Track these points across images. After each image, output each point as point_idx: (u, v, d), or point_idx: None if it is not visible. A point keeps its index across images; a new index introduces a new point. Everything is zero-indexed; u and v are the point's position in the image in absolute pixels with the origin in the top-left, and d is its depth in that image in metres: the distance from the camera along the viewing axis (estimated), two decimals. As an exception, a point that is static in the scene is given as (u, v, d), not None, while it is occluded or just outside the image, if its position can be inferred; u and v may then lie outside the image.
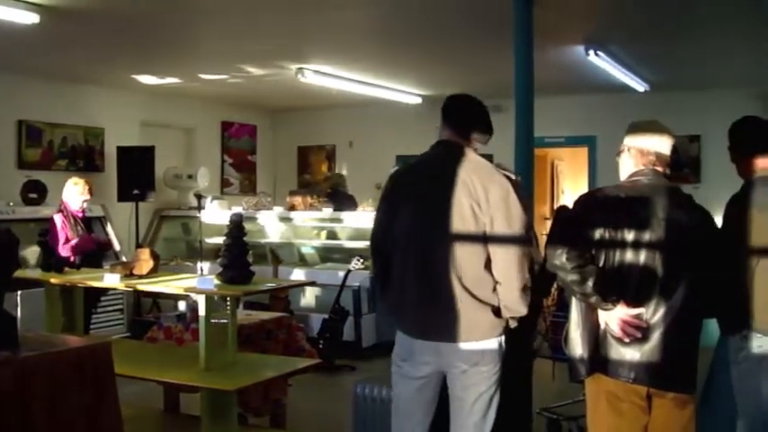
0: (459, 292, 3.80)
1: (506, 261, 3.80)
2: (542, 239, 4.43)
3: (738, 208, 4.19)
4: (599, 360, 3.72)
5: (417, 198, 3.95)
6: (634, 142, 3.90)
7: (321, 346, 8.17)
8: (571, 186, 14.30)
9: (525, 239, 3.87)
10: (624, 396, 3.69)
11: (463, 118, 4.10)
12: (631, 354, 3.65)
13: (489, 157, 5.45)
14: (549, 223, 11.29)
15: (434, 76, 10.33)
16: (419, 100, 11.71)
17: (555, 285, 5.30)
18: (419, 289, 3.89)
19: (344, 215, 9.89)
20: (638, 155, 3.86)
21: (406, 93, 11.54)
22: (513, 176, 4.48)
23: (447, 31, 7.78)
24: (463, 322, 3.80)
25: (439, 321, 3.84)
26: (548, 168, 13.78)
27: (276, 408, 5.95)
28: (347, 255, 9.48)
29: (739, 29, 7.64)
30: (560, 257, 3.58)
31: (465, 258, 3.80)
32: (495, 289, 3.83)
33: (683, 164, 11.30)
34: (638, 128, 3.95)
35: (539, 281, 4.49)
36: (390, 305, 4.12)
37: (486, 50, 8.42)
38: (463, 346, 3.82)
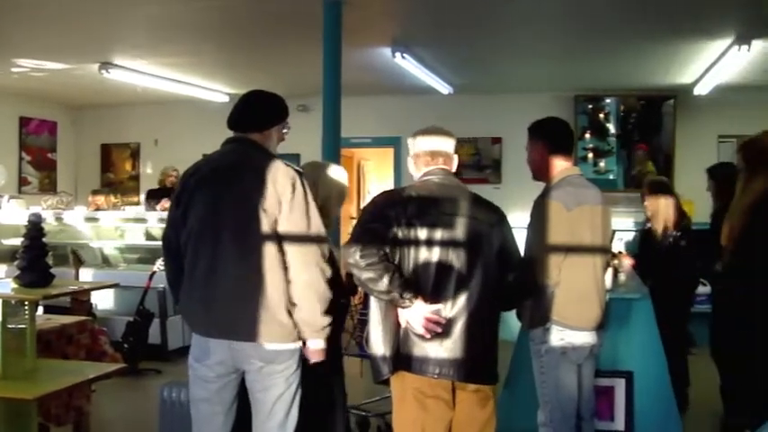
0: (251, 289, 3.74)
1: (297, 258, 3.76)
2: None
3: (544, 208, 4.35)
4: (402, 358, 3.76)
5: (207, 196, 3.86)
6: (419, 144, 4.01)
7: (126, 349, 7.94)
8: (377, 187, 14.49)
9: (318, 237, 3.83)
10: (430, 392, 3.75)
11: (259, 112, 4.08)
12: (434, 350, 3.70)
13: (297, 158, 5.46)
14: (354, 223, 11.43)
15: (243, 75, 10.24)
16: (227, 99, 11.58)
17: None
18: (210, 287, 3.81)
19: (149, 215, 9.66)
20: (423, 155, 3.98)
21: (213, 91, 11.40)
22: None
23: (256, 30, 7.74)
24: (255, 320, 3.74)
25: (231, 319, 3.77)
26: (354, 168, 13.91)
27: (79, 415, 5.74)
28: (152, 255, 9.25)
29: (540, 34, 7.96)
30: (354, 255, 3.59)
31: (256, 255, 3.74)
32: (288, 286, 3.78)
33: (483, 165, 11.69)
34: (419, 132, 4.07)
35: (347, 279, 4.52)
36: (183, 305, 4.03)
37: (294, 50, 8.42)
38: (257, 344, 3.75)
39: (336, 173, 4.61)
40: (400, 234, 3.70)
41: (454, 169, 4.03)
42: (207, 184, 3.90)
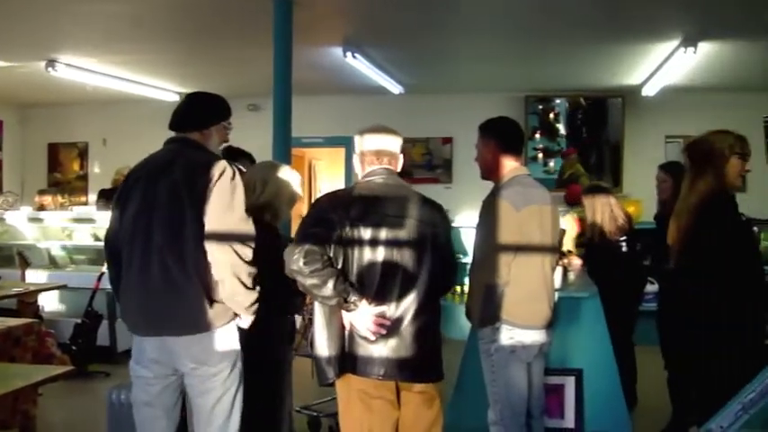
0: (180, 284, 3.73)
1: (224, 253, 3.74)
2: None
3: (494, 207, 4.37)
4: (347, 360, 3.76)
5: (139, 195, 3.85)
6: (365, 143, 4.02)
7: (74, 351, 7.84)
8: (328, 186, 14.47)
9: (245, 233, 3.81)
10: (375, 393, 3.76)
11: (198, 111, 4.08)
12: (378, 351, 3.71)
13: (250, 157, 5.44)
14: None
15: (194, 74, 10.17)
16: (177, 98, 11.47)
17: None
18: (142, 285, 3.80)
19: (97, 215, 9.54)
20: (368, 155, 3.99)
21: (164, 90, 11.30)
22: None
23: (207, 29, 7.69)
24: (184, 313, 3.75)
25: (161, 315, 3.76)
26: (305, 168, 13.88)
27: (25, 420, 5.65)
28: (100, 256, 9.12)
29: (491, 35, 8.00)
30: (297, 262, 3.56)
31: (187, 251, 3.73)
32: (217, 280, 3.77)
33: (435, 165, 11.73)
34: (365, 131, 4.08)
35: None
36: (121, 305, 4.02)
37: (245, 49, 8.38)
38: (189, 340, 3.75)
39: (288, 174, 4.60)
40: (344, 235, 3.70)
41: (399, 169, 4.05)
42: (141, 183, 3.89)
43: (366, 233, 3.72)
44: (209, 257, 3.73)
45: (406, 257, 3.77)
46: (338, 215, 3.72)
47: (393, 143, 4.03)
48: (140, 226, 3.81)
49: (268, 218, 4.46)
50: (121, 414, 5.10)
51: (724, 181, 4.29)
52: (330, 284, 3.58)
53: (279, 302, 4.23)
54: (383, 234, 3.74)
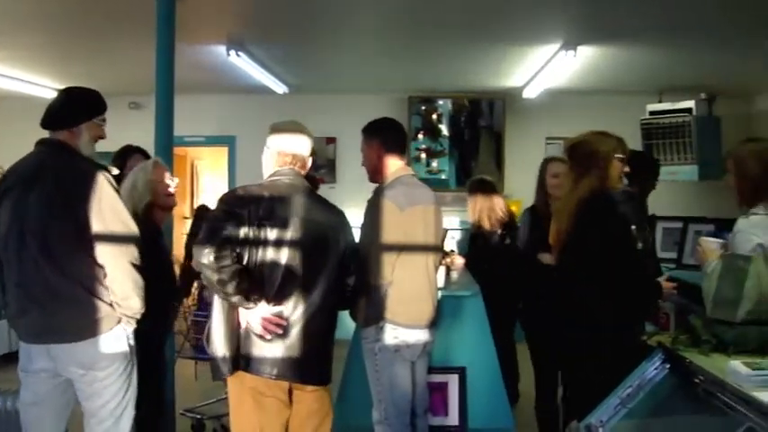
0: (63, 293, 3.66)
1: (107, 256, 3.68)
2: (183, 239, 4.40)
3: (378, 207, 4.39)
4: (241, 358, 3.77)
5: (11, 202, 3.77)
6: (274, 142, 4.01)
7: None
8: (211, 186, 14.31)
9: (125, 236, 3.75)
10: (267, 392, 3.78)
11: (67, 109, 3.97)
12: (273, 350, 3.73)
13: (144, 153, 5.33)
14: (188, 222, 11.23)
15: (74, 71, 9.84)
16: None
17: (195, 285, 5.30)
18: (22, 293, 3.73)
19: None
20: (278, 155, 3.98)
21: (42, 87, 10.96)
22: None
23: (87, 24, 7.49)
24: (67, 320, 3.67)
25: (44, 323, 3.68)
26: (188, 167, 13.70)
27: None
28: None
29: (375, 36, 8.03)
30: (208, 257, 3.57)
31: (64, 259, 3.67)
32: (104, 282, 3.71)
33: (319, 165, 11.71)
34: (277, 129, 4.07)
35: (181, 279, 4.48)
36: (7, 313, 3.92)
37: (127, 46, 8.19)
38: (74, 347, 3.67)
39: (149, 170, 4.54)
40: (251, 234, 3.72)
41: (307, 169, 4.06)
42: (12, 190, 3.79)
43: (271, 233, 3.74)
44: (100, 260, 3.66)
45: (306, 260, 3.80)
46: (247, 212, 3.72)
47: (305, 145, 4.07)
48: (14, 237, 3.72)
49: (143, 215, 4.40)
50: (9, 423, 4.93)
51: (607, 182, 4.39)
52: (235, 281, 3.60)
53: (159, 303, 4.17)
54: (287, 235, 3.77)
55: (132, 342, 3.83)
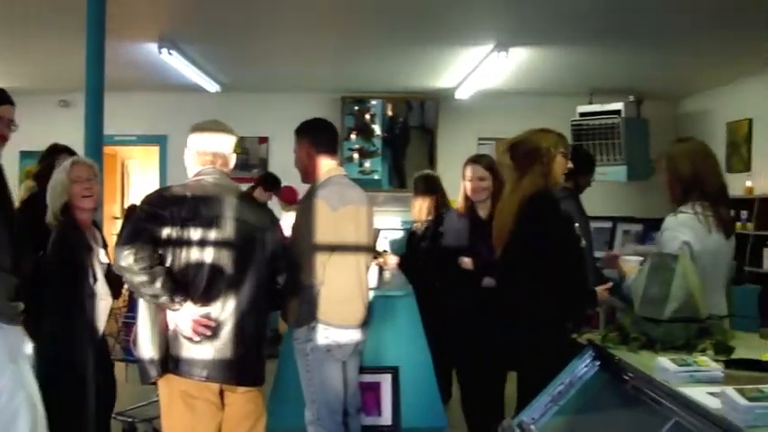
0: None
1: None
2: (113, 239, 4.34)
3: (310, 207, 4.38)
4: (170, 360, 3.74)
5: None
6: (194, 142, 3.98)
7: None
8: (142, 185, 14.15)
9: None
10: (198, 394, 3.74)
11: None
12: (202, 352, 3.70)
13: (70, 151, 5.24)
14: (119, 223, 11.09)
15: (1, 68, 9.72)
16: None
17: (126, 286, 5.22)
18: None
19: None
20: (197, 154, 3.96)
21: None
22: None
23: (14, 19, 7.35)
24: None
25: None
26: (117, 167, 13.52)
27: None
28: None
29: (307, 35, 8.03)
30: (127, 259, 3.53)
31: None
32: None
33: (251, 164, 11.65)
34: (197, 128, 4.04)
35: (113, 282, 4.42)
36: None
37: (56, 43, 8.06)
38: None
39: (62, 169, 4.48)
40: (174, 234, 3.68)
41: (231, 167, 4.04)
42: None
43: (196, 233, 3.70)
44: None
45: (234, 259, 3.78)
46: (170, 213, 3.68)
47: (227, 143, 4.03)
48: None
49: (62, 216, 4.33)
50: None
51: (550, 179, 4.43)
52: (158, 283, 3.56)
53: (62, 303, 4.13)
54: (212, 235, 3.73)
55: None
